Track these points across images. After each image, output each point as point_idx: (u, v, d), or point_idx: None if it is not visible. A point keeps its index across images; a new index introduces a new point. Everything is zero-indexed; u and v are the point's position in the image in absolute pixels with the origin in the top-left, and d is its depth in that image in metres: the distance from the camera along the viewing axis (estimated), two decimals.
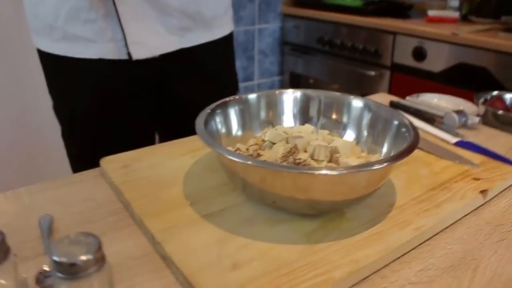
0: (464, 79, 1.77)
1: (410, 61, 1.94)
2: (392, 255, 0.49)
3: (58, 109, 0.94)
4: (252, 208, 0.56)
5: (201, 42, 0.93)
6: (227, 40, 1.02)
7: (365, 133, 0.66)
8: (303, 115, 0.70)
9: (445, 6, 2.18)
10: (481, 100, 0.98)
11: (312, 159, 0.56)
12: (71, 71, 0.87)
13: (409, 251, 0.51)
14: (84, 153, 0.94)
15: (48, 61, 0.89)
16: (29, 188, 0.63)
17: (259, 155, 0.57)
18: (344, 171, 0.47)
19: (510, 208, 0.61)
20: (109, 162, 0.67)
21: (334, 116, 0.69)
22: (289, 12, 2.48)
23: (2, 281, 0.37)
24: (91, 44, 0.83)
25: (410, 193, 0.60)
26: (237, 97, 0.67)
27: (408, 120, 0.60)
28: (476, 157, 0.72)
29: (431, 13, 2.07)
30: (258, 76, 2.58)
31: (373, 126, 0.65)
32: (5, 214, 0.57)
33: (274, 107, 0.70)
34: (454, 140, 0.78)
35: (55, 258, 0.33)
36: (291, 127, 0.68)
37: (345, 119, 0.68)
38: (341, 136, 0.68)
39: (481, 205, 0.61)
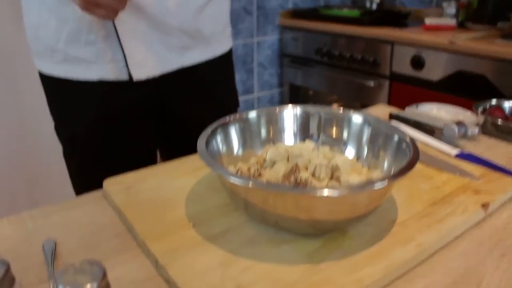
0: (463, 87, 1.78)
1: (408, 70, 1.95)
2: (395, 273, 0.49)
3: (60, 130, 0.95)
4: (254, 228, 0.56)
5: (201, 60, 0.94)
6: (227, 56, 1.03)
7: (365, 148, 0.67)
8: (304, 132, 0.71)
9: (442, 14, 2.19)
10: (480, 109, 0.98)
11: (314, 177, 0.57)
12: (72, 93, 0.88)
13: (412, 268, 0.51)
14: (85, 173, 0.94)
15: (50, 83, 0.90)
16: (32, 212, 0.64)
17: (260, 174, 0.58)
18: (346, 192, 0.47)
19: (511, 221, 0.61)
20: (112, 184, 0.68)
21: (334, 132, 0.70)
22: (287, 24, 2.50)
23: None
24: (92, 66, 0.84)
25: (412, 209, 0.60)
26: (237, 116, 0.67)
27: (408, 136, 0.60)
28: (476, 169, 0.72)
29: (428, 21, 2.09)
30: (258, 88, 2.59)
31: (373, 141, 0.66)
32: (9, 240, 0.58)
33: (274, 124, 0.70)
34: (454, 152, 0.79)
35: None
36: (292, 145, 0.68)
37: (345, 135, 0.69)
38: (342, 151, 0.68)
39: (482, 219, 0.61)
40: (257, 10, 2.44)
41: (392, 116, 0.98)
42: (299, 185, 0.54)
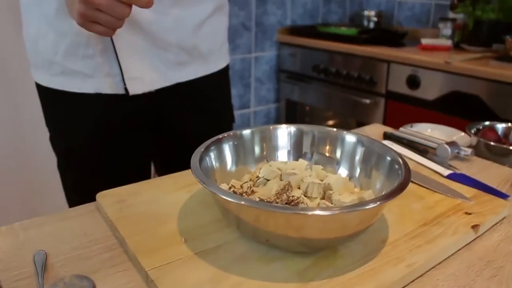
0: (458, 107, 1.80)
1: (404, 89, 1.97)
2: None
3: (55, 141, 0.95)
4: (245, 245, 0.56)
5: (198, 76, 0.95)
6: (223, 73, 1.03)
7: (358, 168, 0.67)
8: (297, 150, 0.71)
9: (438, 35, 2.22)
10: (473, 130, 0.99)
11: (306, 196, 0.57)
12: (69, 105, 0.88)
13: None
14: (79, 185, 0.94)
15: (46, 94, 0.90)
16: (24, 223, 0.64)
17: (253, 192, 0.58)
18: (337, 211, 0.47)
19: (501, 243, 0.61)
20: (105, 197, 0.68)
21: (327, 151, 0.70)
22: (285, 41, 2.52)
23: None
24: (89, 79, 0.85)
25: (403, 229, 0.60)
26: (231, 133, 0.68)
27: (400, 157, 0.61)
28: (468, 190, 0.73)
29: (424, 41, 2.11)
30: (255, 103, 2.61)
31: (366, 161, 0.66)
32: (0, 250, 0.57)
33: (268, 142, 0.71)
34: (447, 172, 0.79)
35: None
36: (285, 163, 0.69)
37: (338, 155, 0.69)
38: (335, 171, 0.69)
39: (473, 240, 0.61)
40: (256, 26, 2.46)
41: (386, 135, 0.99)
42: (291, 204, 0.55)
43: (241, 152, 0.68)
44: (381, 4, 2.73)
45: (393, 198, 0.50)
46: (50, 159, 1.00)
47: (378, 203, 0.49)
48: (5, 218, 1.74)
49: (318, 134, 0.71)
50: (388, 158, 0.62)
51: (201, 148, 0.61)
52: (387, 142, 0.93)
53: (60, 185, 0.98)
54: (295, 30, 2.53)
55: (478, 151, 0.91)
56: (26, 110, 1.75)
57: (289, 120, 2.63)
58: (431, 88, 1.87)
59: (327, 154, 0.70)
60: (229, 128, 1.09)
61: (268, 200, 0.56)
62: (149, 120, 0.94)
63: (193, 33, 0.90)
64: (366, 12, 2.60)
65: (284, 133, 0.72)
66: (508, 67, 1.70)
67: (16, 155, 1.81)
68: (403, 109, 1.99)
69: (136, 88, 0.86)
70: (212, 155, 0.63)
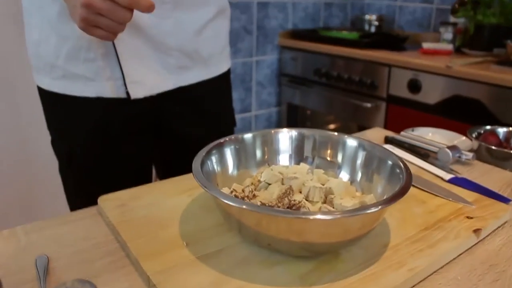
0: (459, 111, 1.80)
1: (405, 93, 1.97)
2: None
3: (56, 145, 0.95)
4: (247, 249, 0.56)
5: (199, 80, 0.95)
6: (225, 77, 1.04)
7: (359, 172, 0.67)
8: (299, 154, 0.72)
9: (439, 39, 2.23)
10: (475, 134, 0.99)
11: (307, 200, 0.57)
12: (70, 108, 0.88)
13: None
14: (81, 189, 0.95)
15: (48, 98, 0.90)
16: (26, 227, 0.64)
17: (254, 196, 0.58)
18: (338, 216, 0.47)
19: (503, 247, 0.61)
20: (106, 201, 0.68)
21: (329, 156, 0.70)
22: (286, 44, 2.52)
23: None
24: (90, 83, 0.85)
25: (404, 233, 0.60)
26: (233, 137, 0.68)
27: (402, 161, 0.61)
28: (470, 195, 0.73)
29: (426, 45, 2.12)
30: (256, 107, 2.61)
31: (367, 165, 0.66)
32: (1, 254, 0.57)
33: (269, 146, 0.71)
34: (448, 176, 0.79)
35: None
36: (287, 167, 0.69)
37: (339, 159, 0.70)
38: (336, 175, 0.69)
39: (474, 244, 0.61)
40: (257, 30, 2.47)
41: (387, 140, 0.99)
42: (293, 208, 0.55)
43: (243, 156, 0.69)
44: (382, 8, 2.74)
45: (395, 202, 0.50)
46: (51, 162, 1.01)
47: (380, 207, 0.49)
48: (6, 222, 1.74)
49: (320, 138, 0.71)
50: (389, 162, 0.62)
51: (202, 152, 0.61)
52: (388, 146, 0.93)
53: (61, 189, 0.98)
54: (296, 34, 2.53)
55: (480, 155, 0.91)
56: (27, 114, 1.75)
57: (290, 124, 2.63)
58: (432, 92, 1.87)
59: (328, 158, 0.71)
60: (230, 132, 1.09)
61: (270, 204, 0.56)
62: (150, 124, 0.95)
63: (195, 37, 0.91)
64: (367, 16, 2.61)
65: (285, 137, 0.72)
66: (509, 72, 1.70)
67: (17, 158, 1.81)
68: (404, 113, 1.99)
69: (138, 92, 0.86)
70: (213, 159, 0.63)
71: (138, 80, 0.86)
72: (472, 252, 0.60)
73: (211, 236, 0.59)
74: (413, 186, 0.74)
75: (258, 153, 0.70)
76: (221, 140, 0.66)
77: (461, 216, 0.65)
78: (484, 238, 0.63)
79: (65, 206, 0.98)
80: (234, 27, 2.35)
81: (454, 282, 0.54)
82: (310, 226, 0.48)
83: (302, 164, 0.70)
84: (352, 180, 0.68)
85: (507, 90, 1.64)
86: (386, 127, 1.99)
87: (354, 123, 2.33)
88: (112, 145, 0.91)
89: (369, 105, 2.11)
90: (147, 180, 1.00)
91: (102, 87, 0.85)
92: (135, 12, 0.66)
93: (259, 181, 0.62)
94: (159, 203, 0.68)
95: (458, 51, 2.14)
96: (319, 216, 0.47)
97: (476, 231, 0.61)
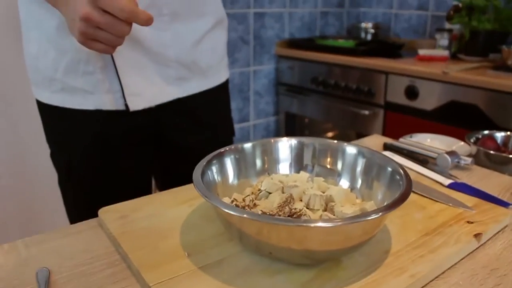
0: (457, 117, 1.80)
1: (402, 100, 1.98)
2: None
3: (56, 158, 0.95)
4: (248, 258, 0.56)
5: (198, 91, 0.96)
6: (223, 87, 1.04)
7: (359, 180, 0.67)
8: (298, 163, 0.72)
9: (435, 45, 2.24)
10: (473, 139, 1.00)
11: (308, 208, 0.57)
12: (69, 121, 0.89)
13: None
14: (80, 201, 0.95)
15: (47, 111, 0.91)
16: (26, 240, 0.64)
17: (255, 205, 0.58)
18: (339, 223, 0.47)
19: (504, 251, 0.61)
20: (107, 213, 0.68)
21: (328, 163, 0.71)
22: (283, 54, 2.54)
23: None
24: (89, 96, 0.85)
25: (405, 239, 0.60)
26: (232, 147, 0.68)
27: (401, 167, 0.61)
28: (469, 199, 0.73)
29: (422, 52, 2.13)
30: (254, 116, 2.62)
31: (367, 173, 0.66)
32: (2, 268, 0.57)
33: (269, 155, 0.71)
34: (448, 182, 0.79)
35: None
36: (287, 175, 0.69)
37: (339, 166, 0.70)
38: (336, 182, 0.69)
39: (475, 249, 0.61)
40: (254, 40, 2.48)
41: (386, 146, 0.99)
42: (294, 216, 0.55)
43: (243, 165, 0.69)
44: (378, 16, 2.76)
45: (395, 208, 0.51)
46: (50, 175, 1.01)
47: (380, 213, 0.49)
48: (6, 235, 1.74)
49: (319, 146, 0.72)
50: (389, 169, 0.62)
51: (203, 162, 0.62)
52: (387, 153, 0.93)
53: (61, 202, 0.98)
54: (293, 43, 2.55)
55: (478, 160, 0.92)
56: (26, 127, 1.75)
57: (288, 133, 2.63)
58: (430, 98, 1.88)
59: (328, 166, 0.71)
60: (229, 141, 1.09)
61: (271, 213, 0.56)
62: (149, 135, 0.95)
63: (193, 48, 0.91)
64: (363, 24, 2.63)
65: (285, 146, 0.72)
66: (505, 77, 1.71)
67: (16, 171, 1.81)
68: (402, 120, 2.00)
69: (137, 104, 0.87)
70: (214, 169, 0.64)
71: (137, 92, 0.86)
72: (473, 257, 0.60)
73: (212, 246, 0.59)
74: (413, 192, 0.74)
75: (258, 162, 0.70)
76: (221, 150, 0.67)
77: (461, 221, 0.66)
78: (485, 243, 0.63)
79: (65, 219, 0.98)
80: (231, 38, 2.37)
81: (456, 287, 0.54)
82: (311, 234, 0.49)
83: (302, 172, 0.70)
84: (352, 188, 0.68)
85: (503, 94, 1.65)
86: (384, 134, 2.00)
87: (352, 131, 2.33)
88: (111, 157, 0.91)
89: (367, 112, 2.12)
90: (146, 191, 1.01)
91: (101, 99, 0.86)
92: (134, 24, 0.66)
93: (260, 190, 0.62)
94: (160, 214, 0.68)
95: (454, 57, 2.15)
96: (320, 224, 0.47)
97: (477, 235, 0.61)
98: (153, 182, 1.09)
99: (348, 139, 0.73)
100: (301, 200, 0.59)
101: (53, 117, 0.91)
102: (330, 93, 2.31)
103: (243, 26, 2.41)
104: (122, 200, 0.72)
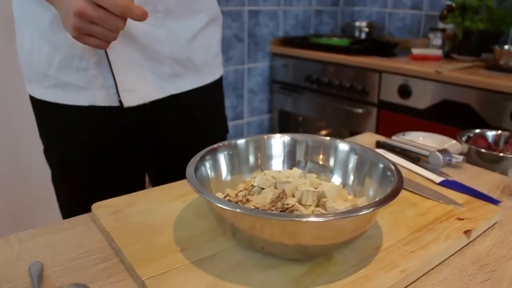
0: (449, 116, 1.82)
1: (396, 99, 1.99)
2: None
3: (49, 153, 0.95)
4: (241, 253, 0.56)
5: (192, 88, 0.96)
6: (217, 84, 1.04)
7: (351, 176, 0.68)
8: (291, 159, 0.72)
9: (428, 44, 2.25)
10: (464, 138, 1.00)
11: (300, 204, 0.58)
12: (63, 117, 0.89)
13: None
14: (73, 197, 0.94)
15: (40, 107, 0.90)
16: (19, 235, 0.64)
17: (248, 200, 0.59)
18: (331, 218, 0.48)
19: (493, 247, 0.62)
20: (100, 208, 0.68)
21: (321, 160, 0.71)
22: (277, 52, 2.54)
23: None
24: (83, 92, 0.85)
25: (396, 235, 0.61)
26: (226, 142, 0.69)
27: (393, 164, 0.62)
28: (460, 197, 0.74)
29: (415, 51, 2.14)
30: (248, 114, 2.62)
31: (359, 169, 0.67)
32: None
33: (262, 151, 0.71)
34: (439, 179, 0.80)
35: None
36: (280, 171, 0.69)
37: (331, 163, 0.70)
38: (329, 179, 0.70)
39: (465, 245, 0.62)
40: (248, 38, 2.48)
41: (379, 144, 1.00)
42: (286, 211, 0.55)
43: (236, 161, 0.69)
44: (372, 15, 2.77)
45: (386, 204, 0.51)
46: (44, 171, 1.00)
47: (372, 209, 0.50)
48: None
49: (312, 143, 0.72)
50: (381, 166, 0.63)
51: (196, 158, 0.62)
52: (380, 151, 0.93)
53: (54, 199, 0.98)
54: (287, 41, 2.55)
55: (470, 158, 0.93)
56: (19, 123, 1.75)
57: (282, 131, 2.64)
58: (423, 97, 1.89)
59: (320, 163, 0.71)
60: (223, 139, 1.09)
61: (263, 208, 0.56)
62: (143, 131, 0.95)
63: (187, 45, 0.92)
64: (357, 23, 2.64)
65: (278, 142, 0.72)
66: (497, 76, 1.72)
67: (9, 167, 1.80)
68: (395, 118, 2.01)
69: (131, 100, 0.87)
70: (207, 164, 0.64)
71: (131, 89, 0.86)
72: (463, 253, 0.61)
73: (205, 241, 0.59)
74: (405, 189, 0.75)
75: (251, 159, 0.71)
76: (215, 146, 0.67)
77: (452, 218, 0.66)
78: (474, 239, 0.64)
79: (58, 215, 0.97)
80: (226, 35, 2.37)
81: (446, 282, 0.54)
82: (303, 229, 0.49)
83: (294, 168, 0.70)
84: (344, 184, 0.68)
85: (495, 94, 1.66)
86: (377, 132, 2.01)
87: (346, 129, 2.34)
88: (105, 153, 0.91)
89: (360, 110, 2.13)
90: (140, 187, 1.01)
91: (94, 95, 0.86)
92: (128, 20, 0.66)
93: (253, 186, 0.63)
94: (153, 210, 0.68)
95: (447, 56, 2.16)
96: (312, 219, 0.47)
97: (467, 232, 0.62)
98: (147, 178, 1.09)
99: (341, 137, 0.74)
100: (293, 196, 0.60)
101: (47, 113, 0.91)
102: (324, 91, 2.31)
103: (237, 23, 2.41)
104: (115, 196, 0.72)
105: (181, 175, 0.64)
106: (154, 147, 0.99)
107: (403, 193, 0.68)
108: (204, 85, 0.99)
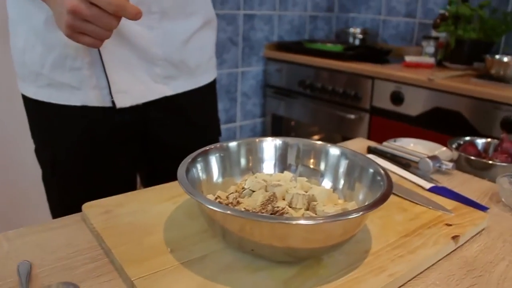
0: (440, 123, 1.83)
1: (388, 105, 2.00)
2: None
3: (40, 153, 0.95)
4: (231, 255, 0.57)
5: (185, 90, 0.96)
6: (210, 87, 1.05)
7: (341, 180, 0.68)
8: (282, 163, 0.73)
9: (421, 52, 2.27)
10: (454, 145, 1.02)
11: (290, 207, 0.58)
12: (55, 117, 0.88)
13: None
14: (64, 197, 0.94)
15: (33, 106, 0.90)
16: (8, 233, 0.63)
17: (238, 202, 0.59)
18: (320, 221, 0.48)
19: (481, 253, 0.63)
20: (91, 208, 0.68)
21: (312, 164, 0.72)
22: (271, 56, 2.55)
23: None
24: (76, 92, 0.85)
25: (385, 239, 0.62)
26: (218, 145, 0.69)
27: (383, 169, 0.62)
28: (449, 203, 0.74)
29: (408, 58, 2.16)
30: (241, 118, 2.62)
31: (350, 174, 0.68)
32: None
33: (254, 154, 0.72)
34: (428, 185, 0.81)
35: None
36: (271, 175, 0.70)
37: (322, 167, 0.71)
38: (319, 183, 0.70)
39: (453, 251, 0.63)
40: (243, 41, 2.49)
41: (370, 150, 1.00)
42: (276, 214, 0.56)
43: (227, 164, 0.69)
44: (366, 22, 2.79)
45: (376, 208, 0.52)
46: (35, 171, 1.00)
47: (361, 213, 0.50)
48: None
49: (303, 147, 0.73)
50: (371, 170, 0.64)
51: (188, 159, 0.62)
52: (371, 156, 0.94)
53: (44, 198, 0.98)
54: (281, 46, 2.56)
55: (459, 165, 0.94)
56: (11, 122, 1.74)
57: (274, 135, 2.63)
58: (414, 104, 1.91)
59: (311, 167, 0.72)
60: (215, 141, 1.09)
61: (254, 210, 0.56)
62: (135, 132, 0.95)
63: (181, 47, 0.92)
64: (351, 30, 2.65)
65: (269, 145, 0.73)
66: (488, 85, 1.74)
67: (0, 166, 1.79)
68: (387, 125, 2.02)
69: (123, 101, 0.87)
70: (199, 166, 0.64)
71: (124, 89, 0.86)
72: (450, 258, 0.61)
73: (195, 242, 0.59)
74: (395, 194, 0.76)
75: (243, 161, 0.71)
76: (206, 148, 0.67)
77: (440, 224, 0.67)
78: (462, 245, 0.65)
79: (48, 215, 0.97)
80: (220, 38, 2.37)
81: (433, 287, 0.55)
82: (292, 231, 0.49)
83: (285, 172, 0.71)
84: (334, 188, 0.69)
85: (486, 102, 1.68)
86: (369, 138, 2.01)
87: (338, 134, 2.35)
88: (97, 153, 0.91)
89: (352, 116, 2.14)
90: (131, 188, 1.00)
91: (87, 96, 0.86)
92: (122, 21, 0.66)
93: (243, 189, 0.63)
94: (144, 210, 0.68)
95: (439, 64, 2.18)
96: (301, 221, 0.48)
97: (455, 237, 0.63)
98: (138, 178, 1.09)
99: (333, 142, 0.74)
100: (284, 199, 0.60)
101: (39, 112, 0.91)
102: (317, 96, 2.32)
103: (232, 27, 2.42)
104: (106, 197, 0.72)
105: (172, 177, 0.64)
106: (146, 148, 0.99)
107: (392, 198, 0.69)
108: (198, 87, 0.99)
